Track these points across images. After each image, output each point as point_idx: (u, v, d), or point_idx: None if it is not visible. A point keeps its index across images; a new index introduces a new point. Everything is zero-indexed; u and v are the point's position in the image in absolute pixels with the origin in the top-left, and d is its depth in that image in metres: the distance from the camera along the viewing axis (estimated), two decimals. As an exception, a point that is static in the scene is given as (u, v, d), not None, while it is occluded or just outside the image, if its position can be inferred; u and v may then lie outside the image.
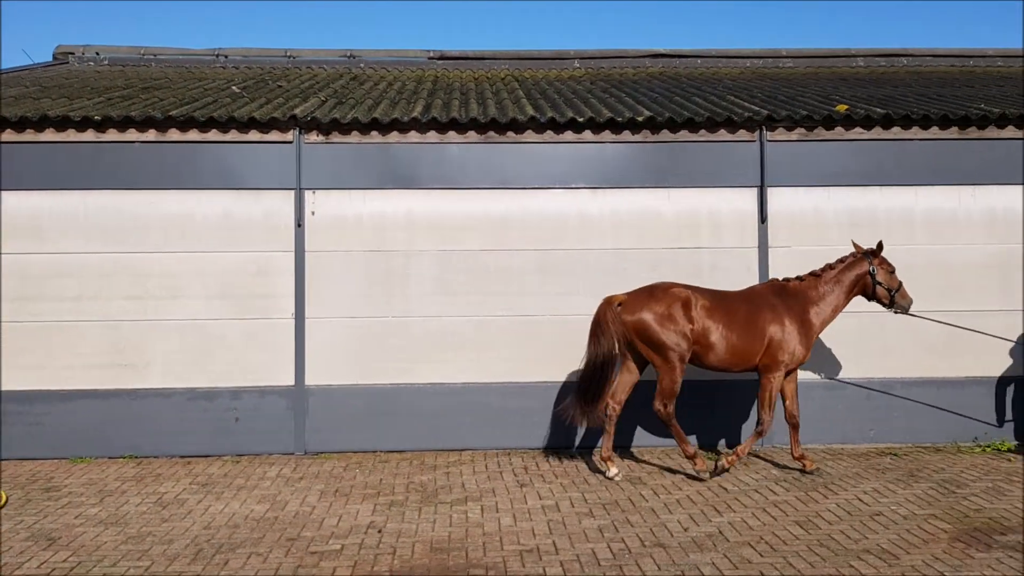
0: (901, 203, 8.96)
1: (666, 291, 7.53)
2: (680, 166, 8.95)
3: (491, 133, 8.86)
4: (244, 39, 45.88)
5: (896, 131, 8.90)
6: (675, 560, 5.49)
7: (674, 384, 7.43)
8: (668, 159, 8.96)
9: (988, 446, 8.49)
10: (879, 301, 7.84)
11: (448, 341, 8.77)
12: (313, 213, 8.79)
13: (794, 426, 7.71)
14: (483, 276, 8.83)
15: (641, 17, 47.26)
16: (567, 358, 8.75)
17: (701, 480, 7.41)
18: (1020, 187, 8.91)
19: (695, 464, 7.44)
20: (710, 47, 14.36)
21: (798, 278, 7.85)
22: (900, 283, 7.80)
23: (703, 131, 8.91)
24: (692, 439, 8.57)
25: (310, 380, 8.69)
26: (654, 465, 8.00)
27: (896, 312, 7.89)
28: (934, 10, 45.11)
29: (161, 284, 8.66)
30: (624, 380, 7.75)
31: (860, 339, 8.80)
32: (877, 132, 8.91)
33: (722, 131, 8.92)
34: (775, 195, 8.94)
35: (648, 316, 7.40)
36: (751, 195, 8.96)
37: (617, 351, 7.49)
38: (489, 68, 13.88)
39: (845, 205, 8.94)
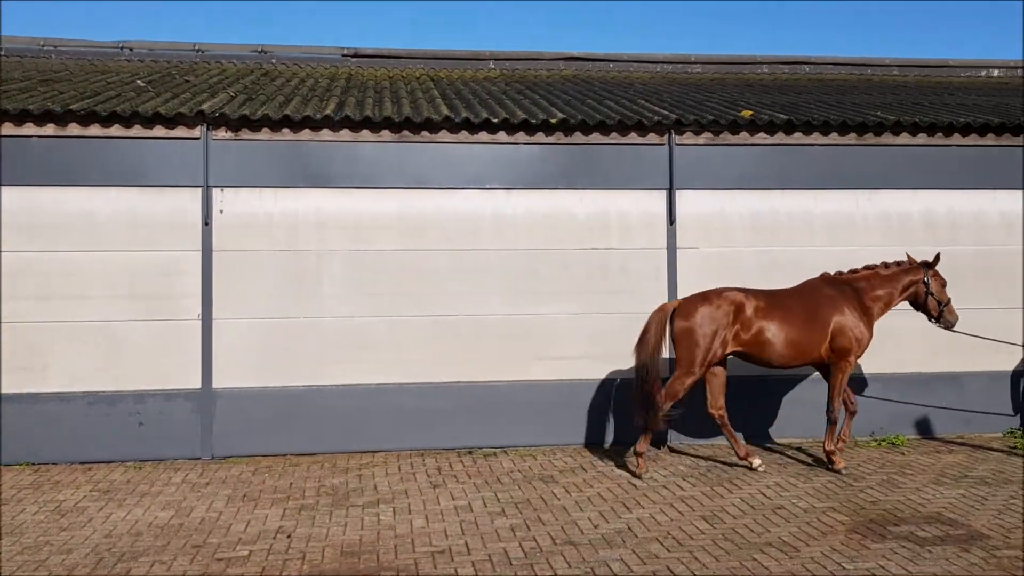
0: (802, 206, 9.28)
1: (720, 295, 7.69)
2: (592, 168, 9.08)
3: (406, 132, 8.82)
4: (151, 32, 44.40)
5: (798, 136, 9.22)
6: (585, 557, 5.58)
7: (681, 389, 7.61)
8: (581, 161, 9.08)
9: (883, 440, 8.87)
10: (927, 312, 8.00)
11: (361, 342, 8.70)
12: (221, 211, 8.60)
13: (832, 421, 7.74)
14: (397, 276, 8.79)
15: (555, 20, 47.68)
16: (481, 358, 8.80)
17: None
18: (912, 191, 9.32)
19: (637, 464, 7.60)
20: (622, 51, 14.60)
21: (853, 271, 8.06)
22: (949, 299, 7.98)
23: (614, 134, 9.06)
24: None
25: (218, 383, 8.49)
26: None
27: (941, 327, 8.03)
28: (836, 17, 46.82)
29: (64, 284, 8.34)
30: (715, 384, 7.85)
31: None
32: (780, 137, 9.21)
33: (633, 134, 9.08)
34: (683, 198, 9.15)
35: (694, 323, 7.59)
36: (660, 197, 9.15)
37: (659, 356, 7.63)
38: (404, 67, 13.80)
39: (749, 208, 9.21)
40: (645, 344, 7.62)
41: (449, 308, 8.84)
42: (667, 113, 9.40)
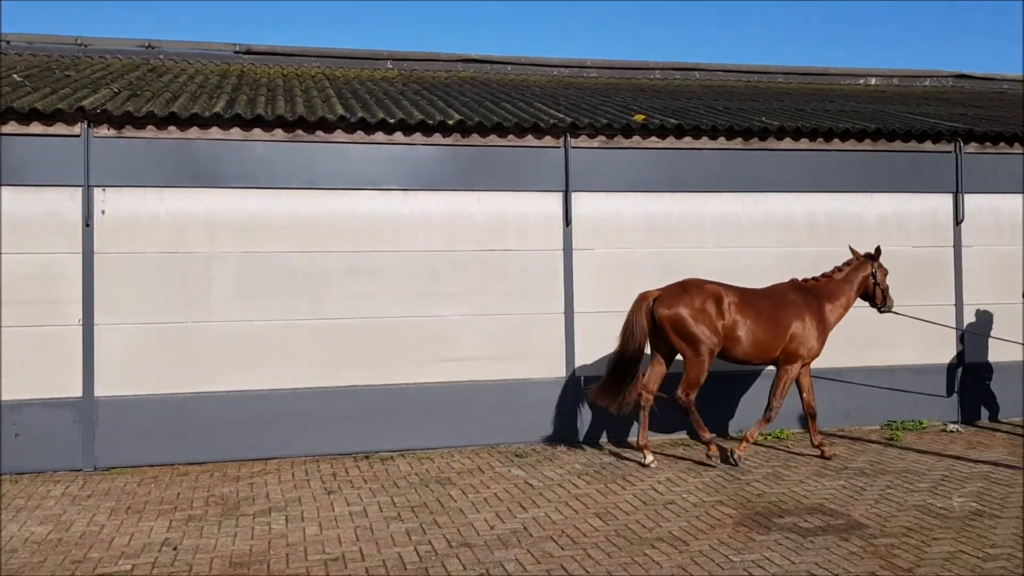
0: (693, 208, 9.53)
1: (700, 287, 7.92)
2: (490, 170, 9.11)
3: (299, 132, 8.66)
4: (30, 25, 42.29)
5: (688, 141, 9.45)
6: (480, 559, 5.58)
7: (700, 376, 7.88)
8: (478, 162, 9.09)
9: (770, 434, 9.19)
10: (873, 301, 8.52)
11: (253, 347, 8.48)
12: (103, 212, 8.25)
13: (811, 416, 8.26)
14: (291, 279, 8.61)
15: (455, 20, 47.67)
16: (379, 361, 8.71)
17: (712, 466, 7.85)
18: (796, 194, 9.68)
19: (709, 450, 7.93)
20: (520, 55, 14.70)
21: (814, 279, 8.42)
22: (887, 285, 8.54)
23: (511, 136, 9.10)
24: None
25: (100, 391, 8.14)
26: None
27: (882, 311, 8.58)
28: (728, 25, 48.34)
29: (-75, 289, 7.85)
30: (656, 371, 8.14)
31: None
32: (671, 141, 9.42)
33: (529, 137, 9.15)
34: (579, 200, 9.27)
35: (684, 311, 7.77)
36: (556, 199, 9.24)
37: (647, 344, 7.96)
38: (299, 65, 13.55)
39: (643, 210, 9.40)
40: (632, 332, 7.91)
41: (346, 311, 8.71)
42: (563, 116, 9.51)
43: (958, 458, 8.11)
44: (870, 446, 8.72)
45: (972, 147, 9.93)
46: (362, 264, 8.77)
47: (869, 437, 9.14)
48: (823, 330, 8.19)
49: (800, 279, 8.50)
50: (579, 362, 9.13)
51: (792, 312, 8.07)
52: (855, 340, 9.56)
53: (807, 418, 8.37)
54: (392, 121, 8.72)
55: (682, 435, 9.20)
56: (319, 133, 8.68)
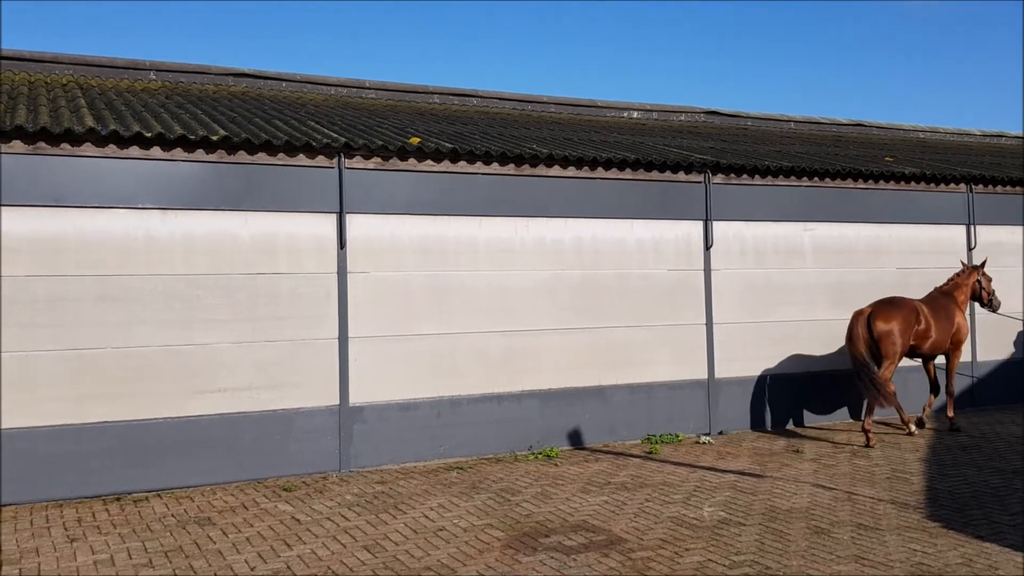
0: (468, 232, 9.64)
1: (900, 306, 10.15)
2: (258, 189, 8.76)
3: (41, 144, 7.92)
4: None
5: (463, 165, 9.57)
6: (239, 603, 5.28)
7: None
8: (246, 182, 8.72)
9: (540, 453, 9.44)
10: (981, 302, 11.07)
11: (-17, 381, 7.60)
12: None
13: (950, 394, 10.86)
14: (30, 306, 7.82)
15: (222, 32, 45.90)
16: (133, 394, 8.09)
17: (912, 435, 10.27)
18: (565, 220, 10.05)
19: (909, 425, 10.35)
20: (296, 71, 14.31)
21: (945, 285, 10.90)
22: (994, 290, 11.08)
23: (282, 155, 8.81)
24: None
25: None
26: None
27: (990, 311, 11.17)
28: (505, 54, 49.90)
29: None
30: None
31: (430, 360, 9.28)
32: (446, 165, 9.50)
33: (301, 156, 8.89)
34: (354, 222, 9.12)
35: (894, 325, 9.98)
36: (330, 221, 9.04)
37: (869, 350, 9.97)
38: (49, 72, 12.42)
39: (419, 232, 9.40)
40: (855, 342, 9.94)
41: (95, 340, 8.03)
42: (336, 136, 9.33)
43: (710, 469, 8.70)
44: (632, 460, 9.16)
45: (719, 178, 10.77)
46: (114, 289, 8.13)
47: (631, 451, 9.61)
48: (965, 323, 10.78)
49: (937, 287, 10.96)
50: (354, 389, 8.94)
51: (953, 311, 10.61)
52: (616, 359, 10.05)
53: (948, 396, 10.85)
54: (149, 135, 8.18)
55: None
56: (64, 146, 7.99)
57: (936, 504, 7.22)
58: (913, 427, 10.38)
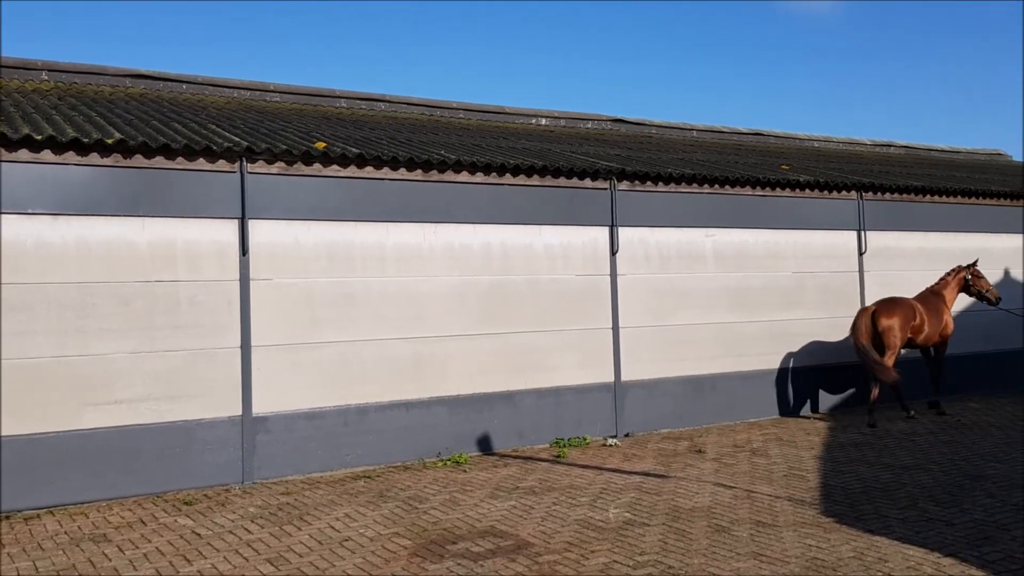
0: (375, 238, 9.56)
1: (902, 302, 11.69)
2: (157, 194, 8.50)
3: (-83, 146, 7.50)
4: None
5: (370, 170, 9.49)
6: (135, 623, 5.10)
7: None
8: (143, 186, 8.46)
9: (449, 459, 9.42)
10: (979, 298, 12.42)
11: None
12: None
13: (942, 381, 12.41)
14: (-94, 316, 7.39)
15: (120, 32, 44.39)
16: (20, 407, 7.73)
17: (914, 419, 11.53)
18: (473, 226, 10.07)
19: (909, 412, 11.68)
20: (197, 73, 13.93)
21: (936, 285, 12.28)
22: (989, 286, 12.38)
23: (181, 159, 8.58)
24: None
25: None
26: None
27: (989, 304, 12.41)
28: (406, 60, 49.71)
29: None
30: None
31: (336, 368, 9.17)
32: (353, 170, 9.40)
33: (201, 160, 8.67)
34: (257, 227, 8.94)
35: (895, 321, 11.41)
36: (232, 227, 8.84)
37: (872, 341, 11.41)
38: (-73, 69, 11.79)
39: (324, 239, 9.27)
40: (859, 334, 11.34)
41: (-22, 351, 7.64)
42: (238, 140, 9.14)
43: (616, 471, 8.84)
44: (540, 464, 9.24)
45: (625, 185, 10.97)
46: (3, 298, 7.75)
47: (540, 456, 9.68)
48: (949, 314, 12.13)
49: (930, 285, 12.32)
50: (258, 399, 8.76)
51: (943, 308, 12.00)
52: (525, 364, 10.13)
53: (938, 384, 12.27)
54: (39, 138, 7.87)
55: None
56: (-56, 148, 7.58)
57: (830, 500, 7.50)
58: (912, 412, 11.73)
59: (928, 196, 13.52)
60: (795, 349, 12.21)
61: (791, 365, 12.16)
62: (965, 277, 12.41)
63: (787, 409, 12.10)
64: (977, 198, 14.04)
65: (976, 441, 9.97)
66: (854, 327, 11.54)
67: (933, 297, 12.16)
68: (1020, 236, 14.59)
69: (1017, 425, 10.98)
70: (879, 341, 11.41)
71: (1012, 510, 6.99)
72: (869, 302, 12.53)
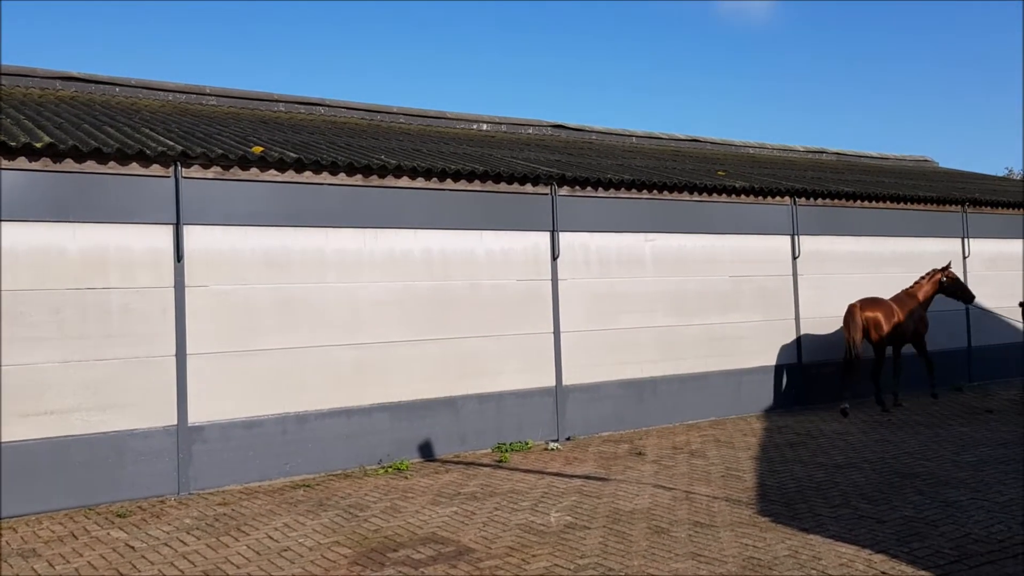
0: (315, 244, 9.46)
1: (882, 301, 12.73)
2: (87, 200, 8.30)
3: None
4: None
5: (308, 175, 9.40)
6: (65, 640, 4.96)
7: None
8: (73, 191, 8.25)
9: (391, 466, 9.37)
10: (955, 297, 13.48)
11: None
12: None
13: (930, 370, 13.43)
14: None
15: (54, 36, 43.25)
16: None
17: (887, 412, 12.43)
18: (414, 231, 10.03)
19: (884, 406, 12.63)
20: (130, 76, 13.63)
21: (912, 287, 13.25)
22: (964, 287, 13.48)
23: (113, 163, 8.39)
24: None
25: None
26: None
27: (966, 303, 13.79)
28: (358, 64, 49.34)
29: None
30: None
31: (275, 375, 9.05)
32: (291, 175, 9.30)
33: (134, 164, 8.49)
34: (192, 233, 8.78)
35: (879, 314, 12.52)
36: (166, 233, 8.67)
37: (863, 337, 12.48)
38: None
39: (261, 244, 9.15)
40: (853, 328, 12.32)
41: (-102, 362, 7.36)
42: (173, 144, 8.96)
43: (557, 475, 8.89)
44: (482, 469, 9.24)
45: (565, 190, 11.05)
46: (-78, 307, 7.49)
47: (482, 461, 9.69)
48: (926, 318, 13.24)
49: (908, 287, 13.29)
50: (194, 408, 8.60)
51: (916, 307, 12.97)
52: (467, 369, 10.13)
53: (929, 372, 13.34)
54: (-38, 142, 7.60)
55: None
56: None
57: (766, 500, 7.66)
58: (888, 405, 12.71)
59: (859, 201, 13.90)
60: (733, 352, 12.43)
61: (729, 367, 12.37)
62: (941, 280, 13.36)
63: (724, 411, 12.30)
64: (906, 203, 14.48)
65: (905, 439, 10.27)
66: (849, 323, 12.43)
67: (909, 299, 13.08)
68: (953, 240, 15.10)
69: (945, 423, 11.34)
70: (867, 332, 12.53)
71: (940, 507, 7.22)
72: (803, 305, 12.87)
